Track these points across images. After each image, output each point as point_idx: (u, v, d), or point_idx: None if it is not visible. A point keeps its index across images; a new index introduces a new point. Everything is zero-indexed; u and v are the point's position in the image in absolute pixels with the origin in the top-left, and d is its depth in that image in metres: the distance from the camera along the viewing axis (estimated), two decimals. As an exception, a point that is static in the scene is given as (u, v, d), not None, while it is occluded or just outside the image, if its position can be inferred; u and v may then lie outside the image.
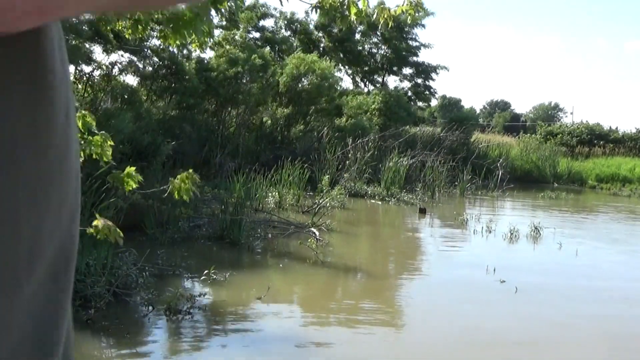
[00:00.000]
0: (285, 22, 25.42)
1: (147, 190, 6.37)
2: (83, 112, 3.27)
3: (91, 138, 3.27)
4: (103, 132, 3.34)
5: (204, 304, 6.22)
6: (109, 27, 10.56)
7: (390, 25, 4.07)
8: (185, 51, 15.23)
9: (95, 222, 3.17)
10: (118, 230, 3.21)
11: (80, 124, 3.22)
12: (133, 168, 3.52)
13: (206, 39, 3.61)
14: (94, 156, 3.33)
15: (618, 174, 25.67)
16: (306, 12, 26.21)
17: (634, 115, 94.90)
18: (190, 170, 3.63)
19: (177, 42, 3.62)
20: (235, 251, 9.17)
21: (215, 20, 17.47)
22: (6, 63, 0.51)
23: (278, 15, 24.47)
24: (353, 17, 3.99)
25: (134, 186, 3.51)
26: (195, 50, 16.06)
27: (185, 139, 13.36)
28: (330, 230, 11.06)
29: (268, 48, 18.09)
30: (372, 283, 8.10)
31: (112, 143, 3.37)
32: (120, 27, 4.28)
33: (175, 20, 3.39)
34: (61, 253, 0.60)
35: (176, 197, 3.60)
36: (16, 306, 0.52)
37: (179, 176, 3.59)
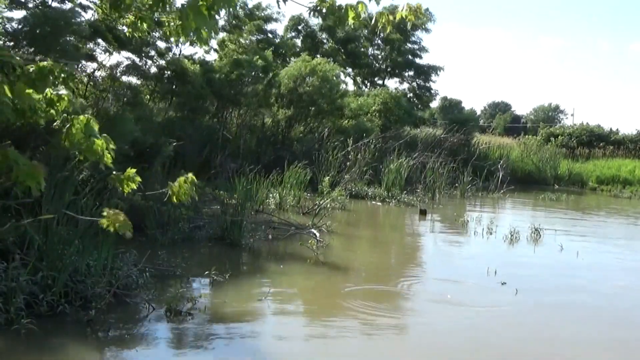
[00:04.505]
0: (293, 23, 25.50)
1: (147, 192, 6.36)
2: (87, 116, 3.27)
3: (95, 140, 3.27)
4: (105, 135, 3.33)
5: (204, 305, 6.22)
6: (107, 24, 10.55)
7: (388, 30, 4.08)
8: (187, 49, 15.30)
9: (104, 212, 3.15)
10: (129, 221, 3.18)
11: (82, 128, 3.22)
12: (133, 170, 3.52)
13: (208, 34, 3.61)
14: (94, 159, 3.33)
15: (618, 176, 25.67)
16: (309, 14, 26.12)
17: (635, 117, 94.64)
18: (190, 175, 3.63)
19: (182, 36, 3.59)
20: (236, 252, 9.17)
21: (220, 22, 17.52)
22: None
23: (283, 18, 24.57)
24: (351, 22, 4.00)
25: (134, 187, 3.50)
26: (197, 47, 16.09)
27: (187, 140, 13.36)
28: (330, 231, 11.06)
29: (271, 51, 18.04)
30: (372, 285, 8.09)
31: (114, 147, 3.37)
32: (126, 23, 4.27)
33: (185, 15, 3.38)
34: None
35: (175, 201, 3.60)
36: None
37: (178, 180, 3.59)
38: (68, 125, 3.20)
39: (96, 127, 3.29)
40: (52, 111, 3.19)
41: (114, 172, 3.50)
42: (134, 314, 5.97)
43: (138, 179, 3.52)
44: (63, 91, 3.21)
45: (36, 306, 5.44)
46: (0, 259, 5.62)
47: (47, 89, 3.14)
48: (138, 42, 12.41)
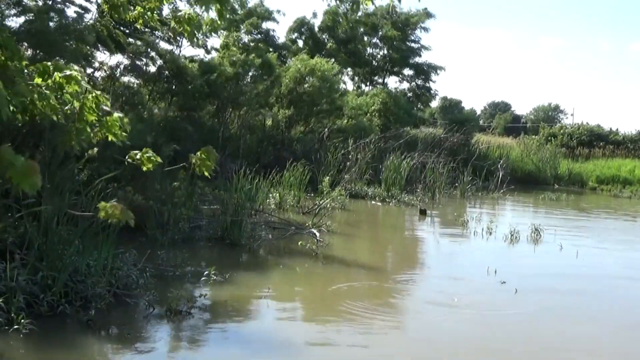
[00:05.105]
0: (296, 25, 25.61)
1: (150, 190, 6.37)
2: (96, 92, 3.27)
3: (107, 118, 3.26)
4: (118, 111, 3.34)
5: (204, 304, 6.23)
6: (108, 32, 10.56)
7: (397, 9, 4.09)
8: (188, 50, 15.30)
9: (100, 205, 3.13)
10: (128, 211, 3.18)
11: (93, 105, 3.21)
12: (149, 149, 3.53)
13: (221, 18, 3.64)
14: (109, 138, 3.31)
15: (618, 176, 25.66)
16: (313, 14, 26.32)
17: (635, 117, 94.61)
18: (209, 147, 3.66)
19: (192, 28, 3.61)
20: (236, 252, 9.17)
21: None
22: None
23: (283, 17, 24.68)
24: (364, 2, 3.99)
25: (160, 162, 3.51)
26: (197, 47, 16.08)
27: (187, 140, 13.34)
28: (330, 231, 11.06)
29: (275, 53, 18.01)
30: (372, 284, 8.10)
31: (128, 121, 3.36)
32: (129, 18, 4.28)
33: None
34: None
35: (198, 172, 3.61)
36: None
37: (198, 152, 3.61)
38: (80, 106, 3.20)
39: (108, 103, 3.30)
40: (62, 99, 3.18)
41: (133, 151, 3.49)
42: (134, 314, 5.97)
43: (158, 159, 3.53)
44: (72, 72, 3.21)
45: (36, 306, 5.44)
46: (0, 259, 5.62)
47: (56, 73, 3.15)
48: (138, 45, 12.43)
